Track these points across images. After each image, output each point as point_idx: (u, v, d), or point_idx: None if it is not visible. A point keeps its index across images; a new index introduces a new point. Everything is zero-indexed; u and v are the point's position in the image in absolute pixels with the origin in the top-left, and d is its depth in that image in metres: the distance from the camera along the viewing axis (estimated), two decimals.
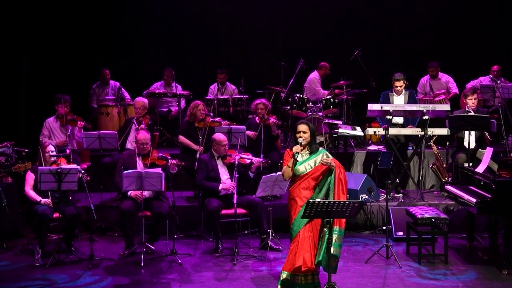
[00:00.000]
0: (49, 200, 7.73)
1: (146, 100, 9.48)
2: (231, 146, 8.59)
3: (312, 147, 6.45)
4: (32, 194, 7.81)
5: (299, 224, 6.27)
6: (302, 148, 6.37)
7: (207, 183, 8.05)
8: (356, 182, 9.01)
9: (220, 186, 7.99)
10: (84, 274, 7.20)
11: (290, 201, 6.42)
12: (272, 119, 9.37)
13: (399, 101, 9.31)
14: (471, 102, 9.06)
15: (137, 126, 9.01)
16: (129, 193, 7.75)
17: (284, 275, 6.34)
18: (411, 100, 9.33)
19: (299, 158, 6.34)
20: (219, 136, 8.21)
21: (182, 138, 9.27)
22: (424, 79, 11.30)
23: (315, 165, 6.39)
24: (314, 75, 11.52)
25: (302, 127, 6.43)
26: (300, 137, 6.39)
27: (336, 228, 6.27)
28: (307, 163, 6.40)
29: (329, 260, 6.18)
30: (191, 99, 10.21)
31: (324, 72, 11.57)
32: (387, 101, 9.31)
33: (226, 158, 8.16)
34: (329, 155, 6.49)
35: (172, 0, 12.44)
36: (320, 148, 6.53)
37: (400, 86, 9.27)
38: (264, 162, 8.30)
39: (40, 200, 7.71)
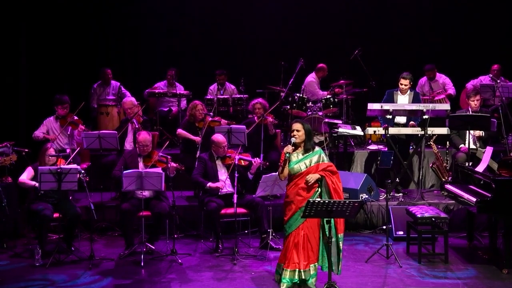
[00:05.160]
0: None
1: (133, 99, 9.45)
2: (231, 145, 8.60)
3: (307, 146, 6.48)
4: (25, 180, 7.83)
5: (290, 226, 6.42)
6: (293, 148, 6.43)
7: (200, 178, 8.06)
8: (356, 182, 9.01)
9: (208, 184, 7.99)
10: (84, 274, 7.20)
11: (285, 200, 6.55)
12: (270, 119, 9.36)
13: (403, 100, 9.27)
14: (473, 103, 9.05)
15: (137, 126, 9.00)
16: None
17: (286, 272, 6.44)
18: (415, 100, 9.27)
19: (293, 158, 6.42)
20: (217, 137, 8.20)
21: (180, 130, 9.30)
22: (422, 80, 11.30)
23: (310, 164, 6.42)
24: (312, 77, 11.48)
25: (296, 126, 6.49)
26: (294, 136, 6.44)
27: (340, 235, 6.42)
28: (302, 162, 6.45)
29: (338, 263, 6.46)
30: (192, 99, 10.21)
31: (322, 74, 11.53)
32: (392, 99, 9.27)
33: (225, 159, 8.16)
34: (325, 157, 6.52)
35: (172, 0, 12.43)
36: (317, 148, 6.56)
37: (405, 85, 9.24)
38: (263, 163, 8.28)
39: (35, 184, 7.69)
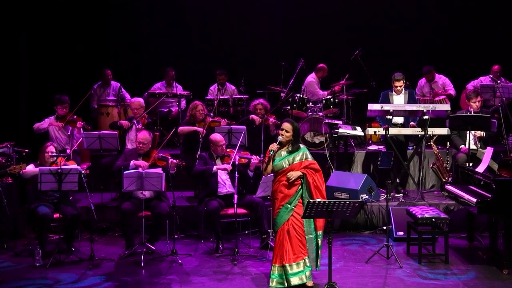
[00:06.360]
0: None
1: (141, 100, 9.47)
2: (232, 146, 8.60)
3: (293, 146, 6.61)
4: (31, 169, 7.76)
5: (277, 224, 6.55)
6: (279, 146, 6.56)
7: (203, 166, 8.07)
8: (356, 182, 9.01)
9: (215, 167, 8.00)
10: (84, 275, 7.19)
11: (271, 198, 6.74)
12: (272, 119, 9.38)
13: (399, 100, 9.31)
14: (475, 105, 9.05)
15: (137, 126, 9.01)
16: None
17: (274, 268, 6.55)
18: (411, 99, 9.33)
19: (277, 156, 6.58)
20: (215, 136, 8.21)
21: (182, 127, 9.27)
22: (422, 82, 11.29)
23: (293, 162, 6.55)
24: (312, 78, 11.46)
25: (285, 126, 6.63)
26: (282, 135, 6.58)
27: (319, 233, 6.55)
28: (286, 159, 6.57)
29: (317, 259, 6.59)
30: (191, 99, 10.21)
31: (322, 75, 11.52)
32: (387, 101, 9.31)
33: (224, 158, 8.17)
34: (308, 155, 6.62)
35: (172, 1, 12.43)
36: (302, 146, 6.68)
37: (400, 86, 9.28)
38: (263, 161, 8.29)
39: (39, 169, 7.62)
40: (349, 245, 8.24)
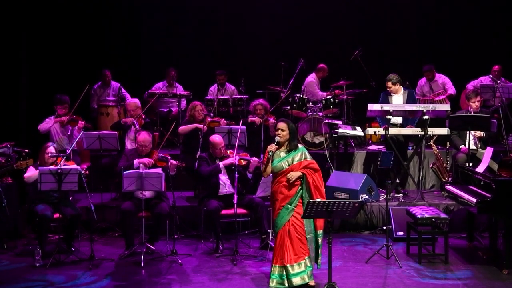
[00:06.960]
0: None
1: (137, 100, 9.47)
2: (232, 146, 8.59)
3: (291, 145, 6.60)
4: (32, 173, 7.71)
5: (277, 225, 6.55)
6: (277, 147, 6.56)
7: (208, 167, 8.06)
8: (356, 182, 9.01)
9: (221, 164, 8.01)
10: (84, 275, 7.20)
11: (270, 199, 6.75)
12: (272, 120, 9.38)
13: (398, 100, 9.31)
14: (474, 104, 9.05)
15: (137, 127, 9.01)
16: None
17: (274, 268, 6.56)
18: (410, 99, 9.32)
19: (276, 156, 6.58)
20: (214, 139, 8.21)
21: (182, 127, 9.25)
22: (422, 81, 11.30)
23: (292, 162, 6.54)
24: (312, 78, 11.46)
25: (281, 125, 6.63)
26: (278, 134, 6.55)
27: (319, 232, 6.59)
28: (285, 160, 6.57)
29: (317, 258, 6.62)
30: (191, 100, 10.21)
31: (322, 75, 11.52)
32: (386, 101, 9.30)
33: (224, 159, 8.16)
34: (307, 155, 6.64)
35: (172, 1, 12.44)
36: (300, 146, 6.69)
37: (389, 87, 9.27)
38: (262, 162, 8.30)
39: (39, 169, 7.59)
40: (349, 245, 8.24)
